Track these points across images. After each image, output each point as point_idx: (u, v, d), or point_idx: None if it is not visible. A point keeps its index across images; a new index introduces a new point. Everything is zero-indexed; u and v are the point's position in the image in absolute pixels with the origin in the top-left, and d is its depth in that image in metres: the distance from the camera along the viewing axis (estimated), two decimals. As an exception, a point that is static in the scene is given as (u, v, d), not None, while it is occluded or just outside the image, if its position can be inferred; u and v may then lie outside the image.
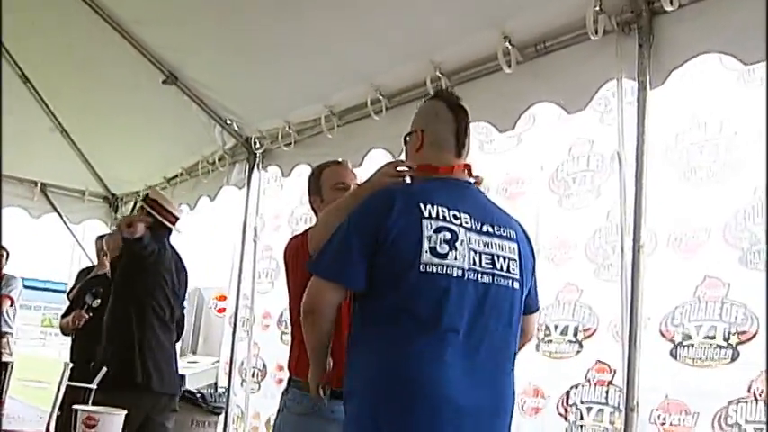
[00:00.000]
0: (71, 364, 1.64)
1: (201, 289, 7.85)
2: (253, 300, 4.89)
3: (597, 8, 2.58)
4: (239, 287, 4.76)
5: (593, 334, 3.88)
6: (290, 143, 4.22)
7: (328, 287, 1.80)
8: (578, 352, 3.95)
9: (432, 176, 1.96)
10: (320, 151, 4.01)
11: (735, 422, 3.18)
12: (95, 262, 5.02)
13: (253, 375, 5.66)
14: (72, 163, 5.88)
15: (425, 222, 1.79)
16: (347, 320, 2.01)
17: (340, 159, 2.83)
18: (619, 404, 3.18)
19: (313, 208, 2.76)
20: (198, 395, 4.40)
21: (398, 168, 2.02)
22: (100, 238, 4.90)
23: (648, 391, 3.21)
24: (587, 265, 4.00)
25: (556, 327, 4.07)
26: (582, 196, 4.20)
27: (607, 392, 3.75)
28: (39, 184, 6.12)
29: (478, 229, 1.87)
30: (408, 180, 2.02)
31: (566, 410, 3.93)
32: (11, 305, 6.17)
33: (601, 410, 3.76)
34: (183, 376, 4.38)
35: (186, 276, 3.77)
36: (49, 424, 1.35)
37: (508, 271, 1.88)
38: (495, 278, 1.85)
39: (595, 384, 3.82)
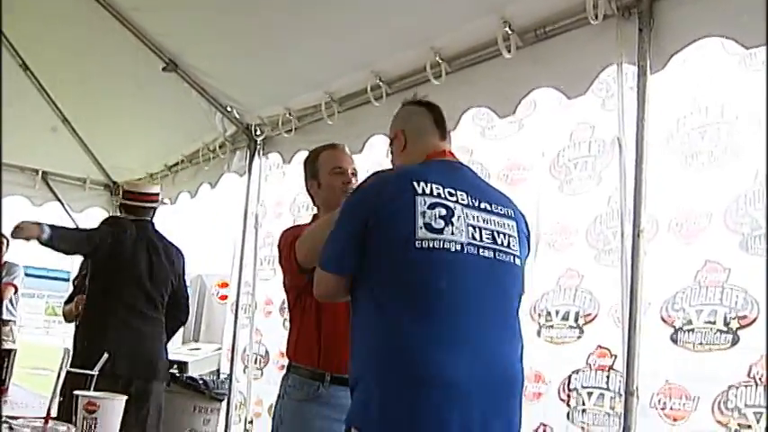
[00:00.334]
0: (71, 351, 1.64)
1: (203, 276, 7.86)
2: (254, 287, 4.90)
3: (597, -8, 2.57)
4: (241, 274, 4.77)
5: (593, 319, 3.88)
6: (291, 130, 4.22)
7: (330, 278, 1.88)
8: (579, 337, 3.95)
9: (427, 160, 1.98)
10: (321, 138, 3.99)
11: (735, 406, 3.19)
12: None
13: (255, 362, 5.67)
14: (73, 151, 5.89)
15: (419, 199, 1.79)
16: (345, 305, 2.03)
17: (336, 143, 2.83)
18: (619, 389, 3.18)
19: (310, 193, 2.77)
20: (200, 382, 4.43)
21: None
22: None
23: (649, 376, 3.22)
24: (588, 250, 3.99)
25: (557, 312, 4.07)
26: (583, 182, 4.19)
27: (608, 377, 3.76)
28: (40, 173, 6.14)
29: (476, 205, 1.87)
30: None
31: (567, 396, 3.94)
32: (15, 292, 6.20)
33: (602, 395, 3.77)
34: (178, 362, 4.40)
35: (170, 260, 3.78)
36: (49, 409, 1.36)
37: (509, 247, 1.88)
38: (497, 253, 1.84)
39: (596, 369, 3.83)
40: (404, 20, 3.22)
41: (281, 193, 6.05)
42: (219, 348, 6.82)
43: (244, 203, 4.71)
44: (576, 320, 3.97)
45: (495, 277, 1.83)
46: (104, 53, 4.55)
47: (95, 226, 3.90)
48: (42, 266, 22.71)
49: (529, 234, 2.03)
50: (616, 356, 3.65)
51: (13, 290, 6.14)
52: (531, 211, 4.29)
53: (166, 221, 5.95)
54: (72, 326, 4.55)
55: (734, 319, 3.28)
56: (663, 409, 3.44)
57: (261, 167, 4.69)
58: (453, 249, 1.77)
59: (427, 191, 1.81)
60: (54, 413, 2.04)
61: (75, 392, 1.68)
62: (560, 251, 4.13)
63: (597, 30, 2.64)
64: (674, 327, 3.47)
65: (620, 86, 2.61)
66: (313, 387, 2.37)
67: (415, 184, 1.81)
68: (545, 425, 3.98)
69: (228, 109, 4.63)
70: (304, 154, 4.22)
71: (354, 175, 2.62)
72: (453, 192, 1.85)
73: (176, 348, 5.15)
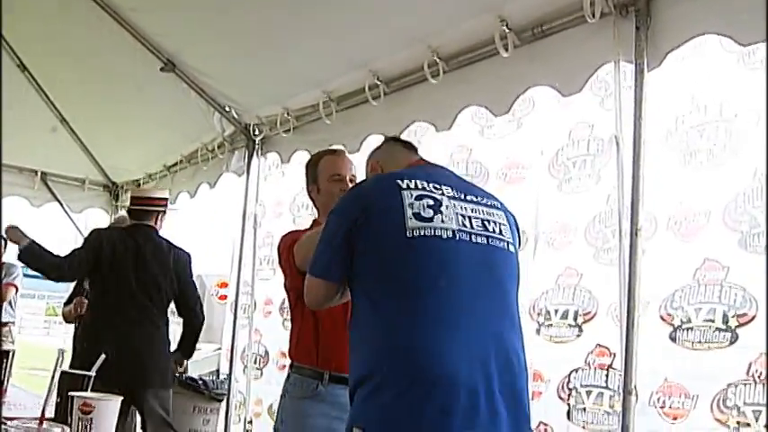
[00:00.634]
0: (65, 352, 1.64)
1: (203, 276, 7.87)
2: (253, 287, 4.90)
3: (594, -10, 2.57)
4: (240, 274, 4.77)
5: (592, 318, 3.88)
6: (289, 129, 4.22)
7: (319, 284, 1.90)
8: (578, 336, 3.95)
9: (409, 167, 2.02)
10: (319, 137, 4.01)
11: (734, 404, 3.18)
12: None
13: (255, 362, 5.68)
14: (72, 152, 5.89)
15: (405, 193, 1.79)
16: (343, 305, 2.03)
17: (335, 148, 2.85)
18: (619, 388, 3.18)
19: (311, 197, 2.79)
20: (200, 382, 4.43)
21: None
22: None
23: (648, 375, 3.22)
24: (587, 249, 3.99)
25: (556, 311, 4.07)
26: (582, 180, 4.19)
27: (607, 376, 3.76)
28: (39, 173, 6.14)
29: (462, 198, 1.86)
30: None
31: (567, 394, 3.94)
32: (15, 293, 6.20)
33: (601, 394, 3.77)
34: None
35: (165, 264, 3.80)
36: (43, 410, 1.36)
37: (501, 234, 1.86)
38: (490, 240, 1.82)
39: (595, 368, 3.83)
40: (401, 19, 3.22)
41: (281, 193, 6.05)
42: (219, 348, 6.83)
43: (242, 203, 4.71)
44: (575, 319, 3.97)
45: (491, 264, 1.81)
46: (103, 54, 4.55)
47: (79, 245, 3.90)
48: (42, 267, 22.72)
49: (519, 230, 2.00)
50: (615, 355, 3.64)
51: (14, 290, 6.13)
52: (530, 210, 4.30)
53: (166, 222, 5.96)
54: (72, 327, 4.56)
55: (733, 317, 3.28)
56: (662, 407, 3.44)
57: (259, 167, 4.68)
58: (445, 236, 1.75)
59: (412, 186, 1.81)
60: (52, 414, 2.04)
61: (71, 393, 1.68)
62: (559, 250, 4.14)
63: (594, 28, 2.63)
64: (673, 325, 3.47)
65: (617, 84, 2.61)
66: (312, 385, 2.41)
67: (399, 181, 1.82)
68: (545, 424, 3.98)
69: (227, 109, 4.63)
70: (302, 154, 4.26)
71: (352, 181, 2.64)
72: (438, 186, 1.85)
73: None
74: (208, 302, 7.90)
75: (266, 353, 5.86)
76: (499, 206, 1.94)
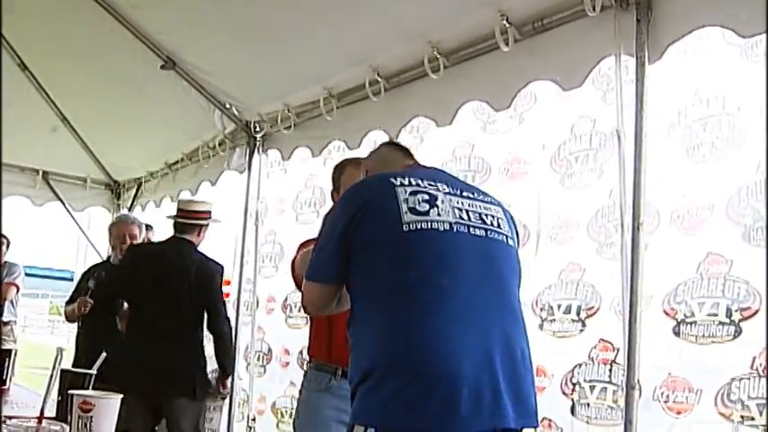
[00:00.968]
0: (64, 350, 1.64)
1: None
2: (255, 284, 4.90)
3: (595, -17, 2.56)
4: (242, 271, 4.77)
5: (595, 313, 3.87)
6: (290, 126, 4.22)
7: (315, 287, 1.91)
8: (581, 331, 3.94)
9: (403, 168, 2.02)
10: (319, 134, 4.01)
11: (737, 399, 3.17)
12: (101, 250, 5.03)
13: (258, 359, 5.68)
14: (73, 150, 5.90)
15: (399, 189, 1.78)
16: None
17: (358, 158, 2.85)
18: (622, 382, 3.17)
19: (332, 195, 2.86)
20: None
21: None
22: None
23: (652, 369, 3.21)
24: (590, 243, 3.98)
25: (559, 306, 4.05)
26: (584, 175, 4.17)
27: (610, 371, 3.74)
28: (40, 173, 6.15)
29: (458, 193, 1.85)
30: None
31: (570, 389, 3.93)
32: (17, 292, 6.21)
33: (604, 389, 3.76)
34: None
35: (188, 277, 3.82)
36: (42, 409, 1.35)
37: (499, 227, 1.84)
38: (489, 232, 1.80)
39: (599, 363, 3.82)
40: (401, 14, 3.21)
41: (283, 190, 6.05)
42: (222, 346, 6.81)
43: (244, 201, 4.70)
44: (578, 314, 3.96)
45: (490, 256, 1.79)
46: (103, 52, 4.55)
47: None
48: (46, 266, 22.80)
49: (516, 226, 1.98)
50: (618, 350, 3.63)
51: (15, 290, 6.15)
52: (533, 205, 4.29)
53: (169, 220, 5.96)
54: (75, 326, 4.56)
55: (736, 311, 3.26)
56: (666, 402, 3.43)
57: (260, 164, 4.68)
58: (442, 229, 1.73)
59: (405, 183, 1.80)
60: (53, 413, 2.04)
61: (71, 392, 1.67)
62: (562, 245, 4.12)
63: (595, 21, 2.62)
64: (677, 319, 3.46)
65: (618, 78, 2.60)
66: (325, 379, 2.59)
67: (393, 179, 1.81)
68: (548, 419, 3.97)
69: (227, 106, 4.63)
70: (303, 150, 4.25)
71: None
72: (433, 183, 1.84)
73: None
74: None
75: (269, 350, 5.85)
76: (496, 203, 1.93)
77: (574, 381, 3.90)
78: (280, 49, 3.84)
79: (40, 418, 1.39)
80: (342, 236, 1.79)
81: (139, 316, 3.84)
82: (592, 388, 3.81)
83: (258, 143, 4.62)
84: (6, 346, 3.67)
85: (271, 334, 5.82)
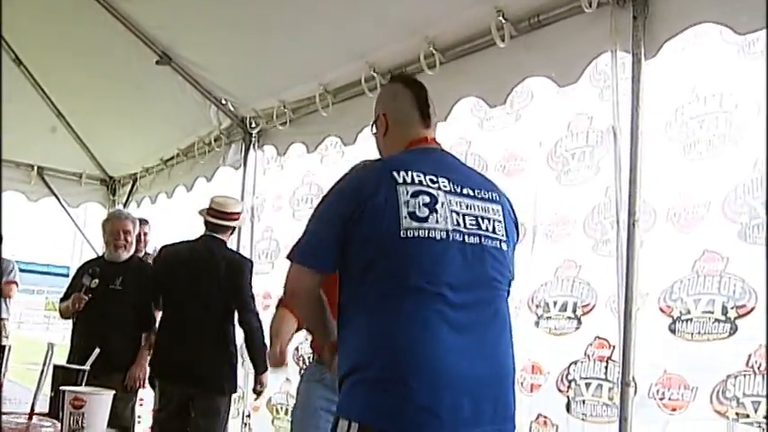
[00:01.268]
0: (54, 345, 1.63)
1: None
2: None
3: (591, -21, 2.55)
4: (237, 268, 4.74)
5: (591, 310, 3.86)
6: (285, 122, 4.21)
7: (303, 271, 1.80)
8: (577, 328, 3.93)
9: (408, 149, 1.94)
10: (315, 129, 4.00)
11: (733, 396, 3.17)
12: (96, 246, 5.02)
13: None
14: (68, 146, 5.89)
15: (401, 189, 1.75)
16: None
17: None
18: (618, 379, 3.17)
19: None
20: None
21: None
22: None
23: (647, 367, 3.21)
24: (586, 240, 3.97)
25: (555, 303, 4.05)
26: (581, 172, 4.17)
27: (606, 368, 3.74)
28: (36, 168, 6.13)
29: (458, 191, 1.83)
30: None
31: (566, 386, 3.93)
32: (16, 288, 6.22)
33: (600, 386, 3.76)
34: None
35: (216, 274, 3.87)
36: (33, 405, 1.34)
37: (494, 232, 1.84)
38: (483, 239, 1.80)
39: (595, 360, 3.82)
40: (397, 10, 3.20)
41: (281, 187, 6.03)
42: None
43: (240, 197, 4.69)
44: (574, 311, 3.95)
45: (482, 265, 1.79)
46: (98, 48, 4.53)
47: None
48: (41, 262, 22.77)
49: (516, 219, 1.98)
50: (614, 347, 3.63)
51: (16, 288, 6.15)
52: (529, 202, 4.27)
53: (164, 216, 5.94)
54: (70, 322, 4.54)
55: (732, 308, 3.26)
56: (661, 399, 3.43)
57: (256, 160, 4.67)
58: (438, 238, 1.74)
59: (408, 180, 1.77)
60: (46, 409, 2.03)
61: (62, 388, 1.66)
62: (558, 242, 4.11)
63: (591, 18, 2.61)
64: (672, 317, 3.45)
65: (614, 74, 2.59)
66: (321, 371, 2.61)
67: (395, 174, 1.78)
68: (544, 416, 3.97)
69: (223, 102, 4.62)
70: (298, 146, 4.24)
71: None
72: (435, 179, 1.81)
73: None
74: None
75: (265, 346, 5.84)
76: (495, 198, 1.91)
77: (569, 378, 3.90)
78: (275, 44, 3.82)
79: (31, 414, 1.37)
80: (342, 227, 1.76)
81: (172, 313, 3.93)
82: (587, 385, 3.81)
83: (254, 139, 4.61)
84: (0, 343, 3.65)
85: (266, 330, 5.80)
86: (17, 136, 5.29)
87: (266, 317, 5.80)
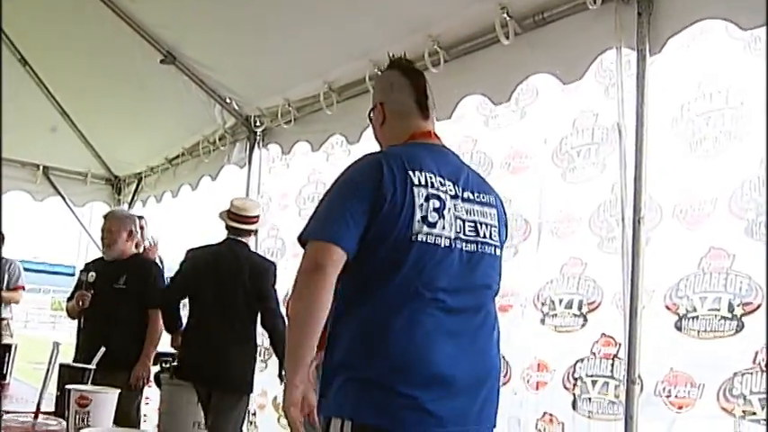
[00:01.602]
0: (60, 344, 1.63)
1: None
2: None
3: (596, -24, 2.54)
4: (243, 267, 4.75)
5: (597, 307, 3.85)
6: (290, 121, 4.21)
7: (332, 248, 1.70)
8: (583, 325, 3.92)
9: (412, 141, 1.93)
10: (320, 128, 4.00)
11: (740, 393, 3.15)
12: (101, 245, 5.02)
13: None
14: (73, 145, 5.90)
15: (416, 190, 1.76)
16: None
17: None
18: (624, 377, 3.17)
19: None
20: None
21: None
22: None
23: (653, 364, 3.19)
24: (591, 238, 3.96)
25: (560, 300, 4.03)
26: (586, 169, 4.15)
27: (612, 365, 3.73)
28: (41, 168, 6.15)
29: (461, 195, 1.85)
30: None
31: (572, 384, 3.92)
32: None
33: (606, 384, 3.75)
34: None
35: (240, 276, 3.91)
36: (39, 404, 1.34)
37: (490, 238, 1.87)
38: (480, 246, 1.84)
39: (601, 358, 3.81)
40: (401, 8, 3.19)
41: (286, 185, 6.03)
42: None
43: (245, 195, 4.69)
44: (580, 309, 3.94)
45: (477, 272, 1.83)
46: (103, 47, 4.54)
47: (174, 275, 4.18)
48: (47, 261, 22.82)
49: (507, 219, 2.00)
50: (620, 344, 3.62)
51: (22, 291, 6.18)
52: (534, 200, 4.26)
53: (169, 215, 5.95)
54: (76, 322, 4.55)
55: (738, 305, 3.25)
56: (668, 396, 3.41)
57: (261, 159, 4.67)
58: (444, 245, 1.76)
59: (422, 181, 1.78)
60: (52, 408, 2.03)
61: (68, 386, 1.67)
62: (563, 239, 4.10)
63: (595, 14, 2.61)
64: (679, 314, 3.44)
65: (619, 71, 2.58)
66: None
67: (411, 174, 1.77)
68: (550, 414, 3.96)
69: (227, 100, 4.62)
70: (303, 145, 4.24)
71: None
72: (443, 181, 1.82)
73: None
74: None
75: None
76: (492, 201, 1.93)
77: (576, 376, 3.89)
78: (280, 43, 3.82)
79: (37, 412, 1.38)
80: (362, 209, 1.72)
81: (198, 315, 3.97)
82: (593, 383, 3.80)
83: (258, 137, 4.62)
84: (4, 341, 3.67)
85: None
86: (22, 136, 5.31)
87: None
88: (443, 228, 1.77)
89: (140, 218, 4.76)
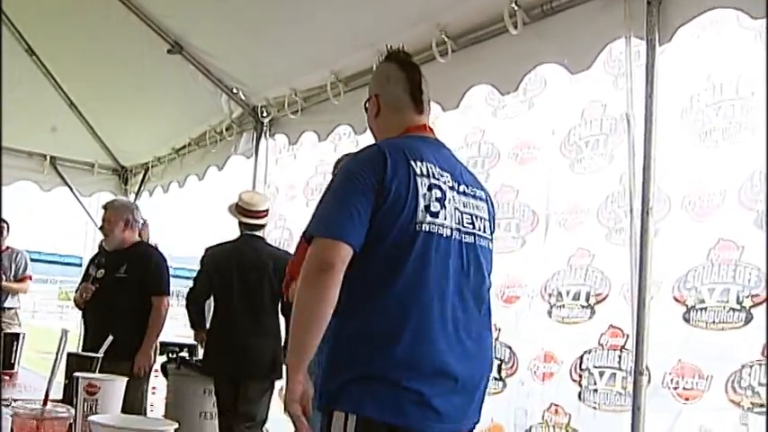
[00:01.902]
0: (68, 331, 1.64)
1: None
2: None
3: (605, -36, 2.53)
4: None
5: (605, 299, 3.85)
6: (297, 111, 4.20)
7: (340, 245, 1.69)
8: (591, 317, 3.92)
9: (408, 134, 1.94)
10: (327, 118, 3.99)
11: (748, 385, 3.15)
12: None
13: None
14: (81, 135, 5.91)
15: (419, 180, 1.76)
16: None
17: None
18: (631, 368, 3.16)
19: None
20: (210, 364, 4.41)
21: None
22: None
23: (661, 356, 3.19)
24: (599, 229, 3.95)
25: (568, 292, 4.03)
26: (594, 160, 4.14)
27: (620, 357, 3.73)
28: (48, 158, 6.17)
29: (457, 189, 1.87)
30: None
31: (579, 375, 3.91)
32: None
33: (613, 375, 3.74)
34: (188, 346, 4.46)
35: (264, 268, 3.99)
36: (47, 392, 1.35)
37: (484, 231, 1.90)
38: (476, 238, 1.87)
39: (608, 349, 3.80)
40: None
41: (294, 176, 6.03)
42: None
43: (251, 185, 4.69)
44: (588, 300, 3.93)
45: (475, 264, 1.85)
46: (110, 37, 4.53)
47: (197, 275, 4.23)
48: (54, 252, 22.91)
49: (494, 215, 2.03)
50: (628, 336, 3.61)
51: (29, 281, 6.21)
52: (542, 191, 4.25)
53: (176, 205, 5.94)
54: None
55: (747, 297, 3.23)
56: (675, 388, 3.41)
57: (267, 149, 4.67)
58: (445, 235, 1.78)
59: (424, 171, 1.79)
60: (60, 396, 2.04)
61: (76, 374, 1.67)
62: (571, 230, 4.09)
63: (604, 3, 2.59)
64: (687, 305, 3.43)
65: (627, 61, 2.56)
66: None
67: (413, 163, 1.78)
68: (556, 405, 3.96)
69: (234, 90, 4.61)
70: (310, 135, 4.23)
71: None
72: (442, 173, 1.84)
73: (187, 331, 5.18)
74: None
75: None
76: (482, 196, 1.95)
77: (583, 367, 3.89)
78: (286, 33, 3.81)
79: (45, 400, 1.38)
80: (370, 204, 1.73)
81: (224, 311, 4.04)
82: (601, 374, 3.79)
83: (265, 128, 4.61)
84: (12, 331, 3.68)
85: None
86: (29, 126, 5.33)
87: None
88: (445, 218, 1.78)
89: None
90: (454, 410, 1.76)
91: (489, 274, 1.93)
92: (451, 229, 1.80)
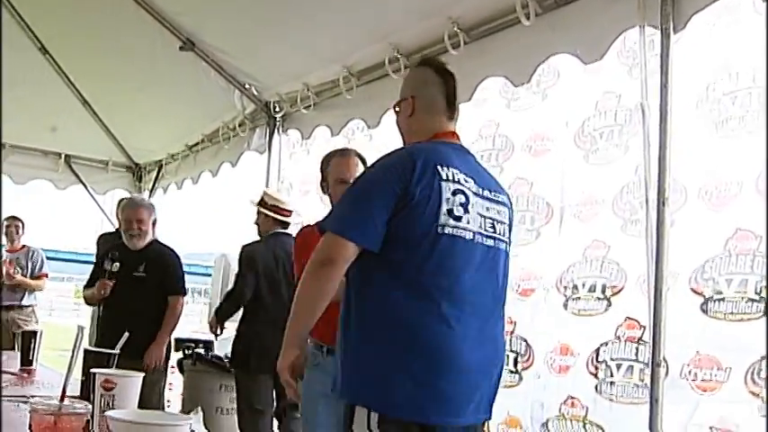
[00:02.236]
0: (84, 328, 1.64)
1: (227, 255, 7.92)
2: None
3: (619, -48, 2.50)
4: (263, 252, 4.76)
5: (621, 290, 3.82)
6: (310, 106, 4.20)
7: (346, 244, 1.78)
8: (607, 309, 3.90)
9: (437, 140, 1.98)
10: (339, 112, 3.98)
11: (768, 376, 3.13)
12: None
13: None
14: (94, 134, 5.94)
15: (444, 185, 1.82)
16: None
17: (346, 148, 2.89)
18: (649, 360, 3.14)
19: (322, 187, 2.90)
20: (226, 360, 4.43)
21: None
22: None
23: (679, 347, 3.17)
24: (614, 220, 3.92)
25: (583, 284, 4.01)
26: (609, 151, 4.11)
27: (637, 349, 3.71)
28: (63, 156, 6.20)
29: (481, 194, 1.91)
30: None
31: (596, 368, 3.90)
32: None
33: (630, 367, 3.72)
34: (204, 341, 4.48)
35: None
36: (64, 388, 1.36)
37: (504, 235, 1.96)
38: (497, 242, 1.92)
39: (625, 341, 3.78)
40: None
41: (307, 171, 6.02)
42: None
43: (265, 181, 4.70)
44: (604, 292, 3.91)
45: (495, 266, 1.91)
46: (123, 35, 4.55)
47: (240, 273, 4.26)
48: (71, 250, 23.07)
49: (513, 220, 2.07)
50: (645, 328, 3.59)
51: (46, 279, 6.25)
52: (556, 182, 4.23)
53: (190, 202, 5.96)
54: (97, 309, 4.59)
55: (765, 287, 3.20)
56: (693, 380, 3.39)
57: (281, 145, 4.68)
58: (468, 238, 1.83)
59: (450, 176, 1.83)
60: (77, 392, 2.05)
61: (93, 370, 1.68)
62: (586, 222, 4.07)
63: (618, -8, 2.56)
64: (704, 296, 3.40)
65: (642, 50, 2.54)
66: (317, 357, 2.60)
67: (439, 168, 1.83)
68: (573, 397, 3.95)
69: (247, 86, 4.62)
70: (323, 130, 4.23)
71: None
72: (467, 178, 1.88)
73: (202, 327, 5.21)
74: (232, 281, 7.95)
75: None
76: (504, 201, 2.00)
77: (600, 359, 3.87)
78: (298, 28, 3.80)
79: (62, 396, 1.39)
80: (387, 204, 1.78)
81: (259, 306, 4.09)
82: (618, 366, 3.77)
83: (278, 123, 4.62)
84: (30, 328, 3.71)
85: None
86: (44, 125, 5.36)
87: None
88: (468, 222, 1.83)
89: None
90: (473, 407, 1.82)
91: (506, 276, 1.98)
92: (474, 233, 1.85)
